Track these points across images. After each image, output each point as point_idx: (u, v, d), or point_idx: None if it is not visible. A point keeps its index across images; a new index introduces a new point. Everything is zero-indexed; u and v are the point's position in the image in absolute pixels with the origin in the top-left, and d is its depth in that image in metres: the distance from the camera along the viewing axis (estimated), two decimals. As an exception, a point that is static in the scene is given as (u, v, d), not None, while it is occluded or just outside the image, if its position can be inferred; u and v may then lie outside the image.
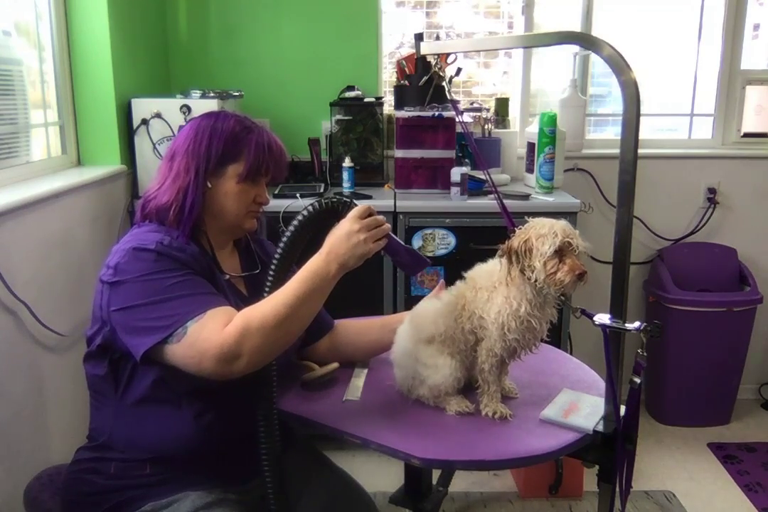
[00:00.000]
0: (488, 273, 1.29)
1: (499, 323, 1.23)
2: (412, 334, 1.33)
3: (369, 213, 1.24)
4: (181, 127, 1.45)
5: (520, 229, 1.24)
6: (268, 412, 1.26)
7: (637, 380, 1.19)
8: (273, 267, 1.25)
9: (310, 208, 1.24)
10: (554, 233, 1.18)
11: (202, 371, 1.15)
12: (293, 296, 1.17)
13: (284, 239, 1.24)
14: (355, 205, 1.26)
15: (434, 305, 1.33)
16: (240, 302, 1.36)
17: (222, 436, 1.29)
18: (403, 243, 1.31)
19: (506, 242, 1.24)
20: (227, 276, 1.37)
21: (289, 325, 1.18)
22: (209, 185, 1.32)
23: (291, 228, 1.24)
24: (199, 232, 1.34)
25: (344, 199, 1.27)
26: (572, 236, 1.19)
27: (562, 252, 1.19)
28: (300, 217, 1.24)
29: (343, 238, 1.20)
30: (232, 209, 1.35)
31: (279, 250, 1.24)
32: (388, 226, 1.26)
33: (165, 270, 1.20)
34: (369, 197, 2.47)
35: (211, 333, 1.14)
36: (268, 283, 1.24)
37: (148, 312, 1.17)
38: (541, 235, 1.19)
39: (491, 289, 1.26)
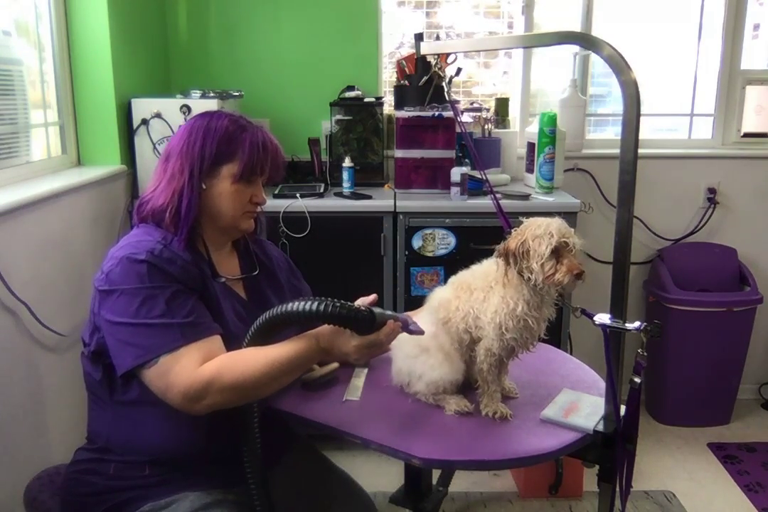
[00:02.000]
0: (483, 273, 1.28)
1: (496, 323, 1.23)
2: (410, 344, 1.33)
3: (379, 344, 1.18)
4: (181, 127, 1.45)
5: (516, 229, 1.24)
6: (249, 430, 1.26)
7: (637, 380, 1.19)
8: (253, 329, 1.21)
9: (329, 308, 1.12)
10: (550, 233, 1.18)
11: (166, 401, 1.18)
12: (276, 369, 1.17)
13: (280, 311, 1.16)
14: (373, 327, 1.16)
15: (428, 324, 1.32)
16: (237, 305, 1.36)
17: (219, 437, 1.29)
18: (408, 323, 1.24)
19: (502, 243, 1.24)
20: (223, 280, 1.36)
21: (261, 390, 1.20)
22: (204, 186, 1.31)
23: (294, 308, 1.14)
24: (195, 234, 1.33)
25: (368, 317, 1.15)
26: (568, 235, 1.19)
27: (559, 252, 1.18)
28: (314, 308, 1.13)
29: (340, 353, 1.20)
30: (227, 210, 1.34)
31: (269, 315, 1.18)
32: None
33: (153, 287, 1.19)
34: (369, 197, 2.47)
35: (183, 369, 1.15)
36: (248, 336, 1.22)
37: (128, 334, 1.18)
38: (537, 235, 1.19)
39: (487, 290, 1.26)
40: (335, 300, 1.15)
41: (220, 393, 1.15)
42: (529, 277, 1.20)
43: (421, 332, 1.25)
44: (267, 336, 1.21)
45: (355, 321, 1.15)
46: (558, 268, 1.18)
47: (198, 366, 1.16)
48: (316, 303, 1.13)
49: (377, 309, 1.18)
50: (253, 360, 1.18)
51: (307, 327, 1.23)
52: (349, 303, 1.16)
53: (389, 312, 1.20)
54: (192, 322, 1.20)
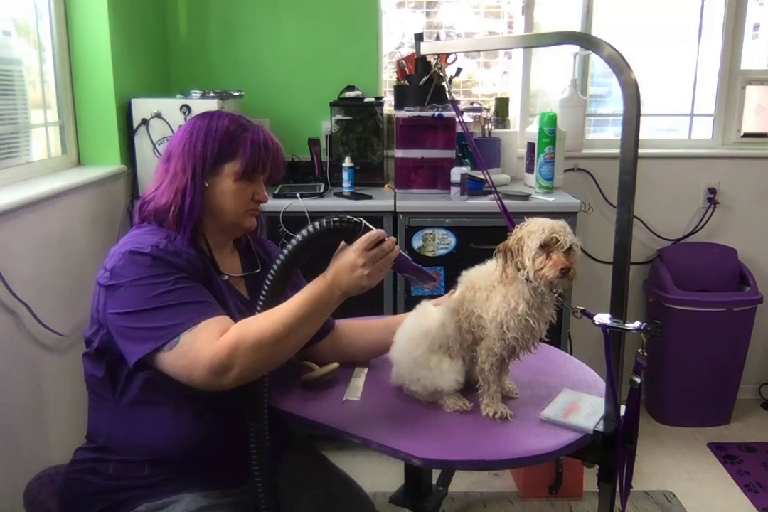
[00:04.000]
0: (488, 273, 1.30)
1: (498, 322, 1.24)
2: (417, 339, 1.33)
3: (378, 241, 1.20)
4: (181, 127, 1.45)
5: (516, 228, 1.26)
6: (259, 422, 1.26)
7: (637, 380, 1.19)
8: (269, 281, 1.22)
9: (318, 225, 1.19)
10: (542, 229, 1.20)
11: (193, 381, 1.16)
12: (293, 317, 1.17)
13: (285, 252, 1.20)
14: (366, 229, 1.22)
15: (439, 311, 1.33)
16: (239, 303, 1.36)
17: (220, 437, 1.29)
18: (410, 260, 1.29)
19: (503, 242, 1.26)
20: (226, 277, 1.37)
21: (284, 345, 1.18)
22: (206, 185, 1.32)
23: (294, 242, 1.20)
24: (197, 232, 1.33)
25: (354, 220, 1.21)
26: (560, 233, 1.20)
27: (549, 248, 1.20)
28: (305, 233, 1.19)
29: (347, 269, 1.19)
30: (230, 208, 1.34)
31: (278, 263, 1.21)
32: (396, 250, 1.24)
33: (160, 275, 1.19)
34: (369, 197, 2.47)
35: (204, 343, 1.14)
36: (263, 297, 1.23)
37: (141, 321, 1.18)
38: (531, 231, 1.21)
39: (490, 289, 1.27)
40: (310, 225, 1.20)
41: (244, 357, 1.13)
42: (523, 273, 1.21)
43: (432, 279, 1.30)
44: (279, 295, 1.23)
45: (342, 223, 1.20)
46: (546, 263, 1.19)
47: (217, 339, 1.15)
48: (300, 234, 1.19)
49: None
50: (268, 316, 1.18)
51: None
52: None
53: None
54: (205, 301, 1.21)
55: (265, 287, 1.23)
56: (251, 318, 1.21)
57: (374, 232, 1.21)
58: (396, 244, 1.25)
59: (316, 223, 1.19)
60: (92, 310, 1.28)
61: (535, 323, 1.23)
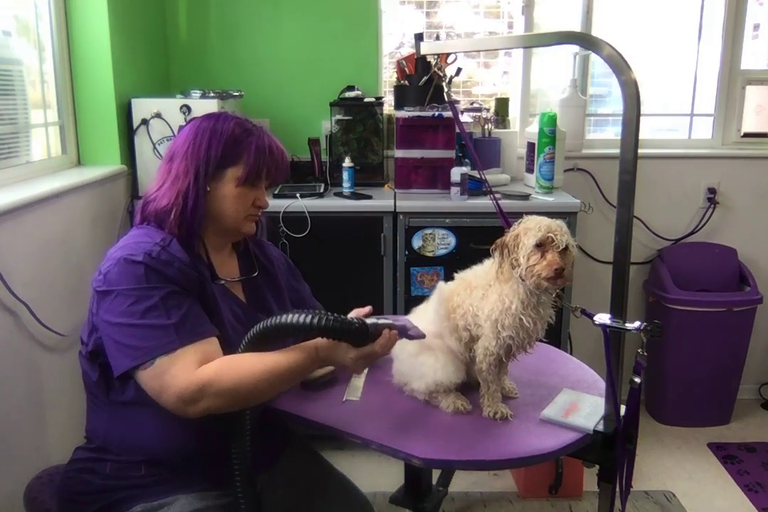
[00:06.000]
0: (484, 272, 1.30)
1: (492, 320, 1.24)
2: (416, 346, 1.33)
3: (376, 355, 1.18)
4: (181, 127, 1.45)
5: (514, 226, 1.26)
6: (241, 438, 1.25)
7: (637, 380, 1.19)
8: (246, 339, 1.20)
9: (316, 320, 1.11)
10: (539, 227, 1.21)
11: (161, 402, 1.17)
12: (275, 376, 1.17)
13: (267, 324, 1.15)
14: (367, 338, 1.17)
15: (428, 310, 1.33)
16: (235, 307, 1.36)
17: (215, 439, 1.28)
18: (405, 329, 1.25)
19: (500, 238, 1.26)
20: (222, 282, 1.36)
21: (258, 396, 1.20)
22: (208, 188, 1.31)
23: (285, 320, 1.13)
24: (195, 236, 1.32)
25: (356, 325, 1.14)
26: (556, 232, 1.20)
27: (544, 247, 1.20)
28: (302, 319, 1.12)
29: (338, 363, 1.20)
30: (230, 212, 1.33)
31: (260, 328, 1.17)
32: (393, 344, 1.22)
33: (149, 288, 1.19)
34: (369, 197, 2.47)
35: (179, 371, 1.15)
36: (243, 345, 1.21)
37: (123, 335, 1.18)
38: (528, 228, 1.22)
39: (486, 288, 1.27)
40: (328, 313, 1.14)
41: (215, 396, 1.14)
42: (517, 270, 1.21)
43: (421, 336, 1.26)
44: (261, 345, 1.21)
45: (349, 333, 1.15)
46: (540, 262, 1.19)
47: (195, 369, 1.15)
48: (309, 317, 1.12)
49: (370, 320, 1.18)
50: (251, 366, 1.17)
51: (304, 338, 1.22)
52: (342, 316, 1.16)
53: (383, 321, 1.20)
54: (188, 323, 1.20)
55: (246, 339, 1.21)
56: (238, 358, 1.19)
57: (378, 351, 1.17)
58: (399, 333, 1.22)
59: (323, 319, 1.12)
60: (88, 311, 1.29)
61: (530, 323, 1.23)
